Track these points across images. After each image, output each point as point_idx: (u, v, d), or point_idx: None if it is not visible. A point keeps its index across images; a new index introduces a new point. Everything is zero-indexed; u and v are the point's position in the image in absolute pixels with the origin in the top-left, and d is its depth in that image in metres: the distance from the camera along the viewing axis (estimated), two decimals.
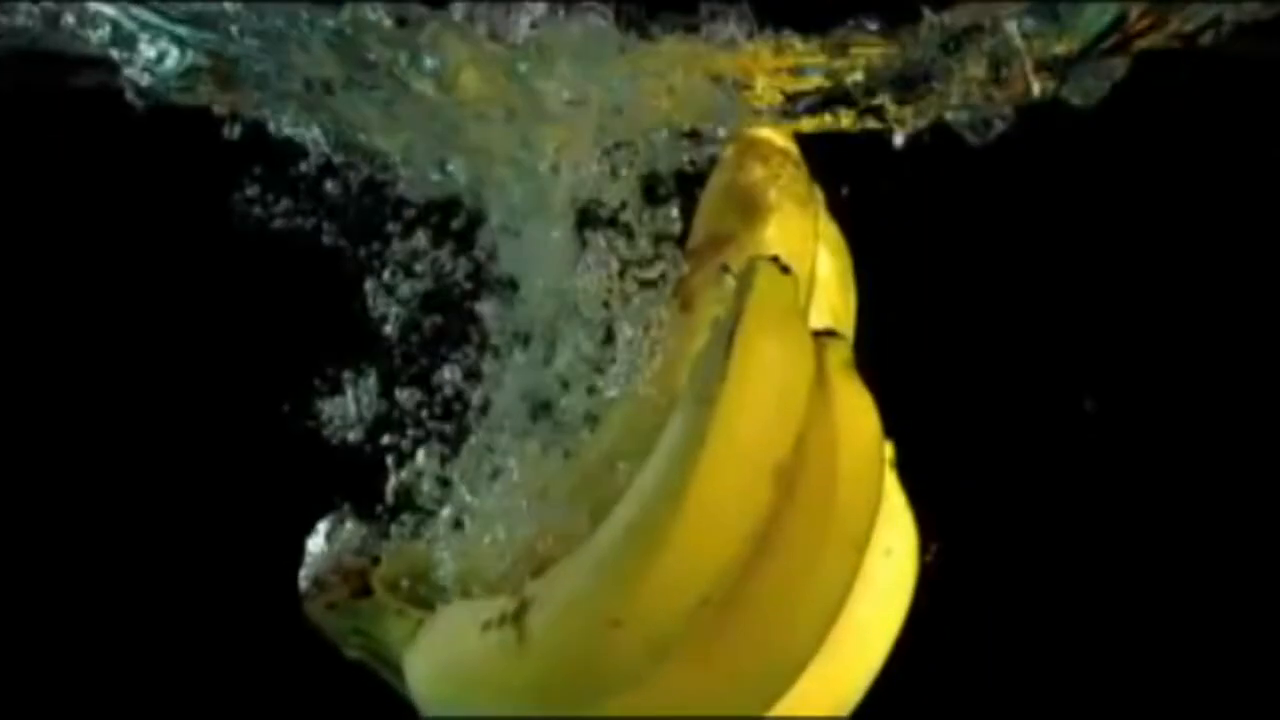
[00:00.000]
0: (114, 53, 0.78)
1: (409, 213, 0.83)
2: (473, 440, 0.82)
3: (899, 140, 0.82)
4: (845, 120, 0.82)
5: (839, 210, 0.86)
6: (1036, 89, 0.77)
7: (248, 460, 1.07)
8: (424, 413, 0.83)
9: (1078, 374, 1.11)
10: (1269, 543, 1.11)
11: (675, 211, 0.81)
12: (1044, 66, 0.77)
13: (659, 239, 0.81)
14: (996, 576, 1.07)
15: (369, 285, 0.84)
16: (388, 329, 0.84)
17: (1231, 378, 1.11)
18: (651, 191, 0.81)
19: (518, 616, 0.72)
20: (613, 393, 0.80)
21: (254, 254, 0.89)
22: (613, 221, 0.81)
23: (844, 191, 0.87)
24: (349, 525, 0.84)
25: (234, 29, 0.76)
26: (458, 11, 0.75)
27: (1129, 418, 1.10)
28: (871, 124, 0.82)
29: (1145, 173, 1.06)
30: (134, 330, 1.09)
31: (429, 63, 0.76)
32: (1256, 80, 0.93)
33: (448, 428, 0.83)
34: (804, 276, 0.80)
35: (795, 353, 0.72)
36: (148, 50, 0.78)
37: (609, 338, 0.81)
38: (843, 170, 0.87)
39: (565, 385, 0.81)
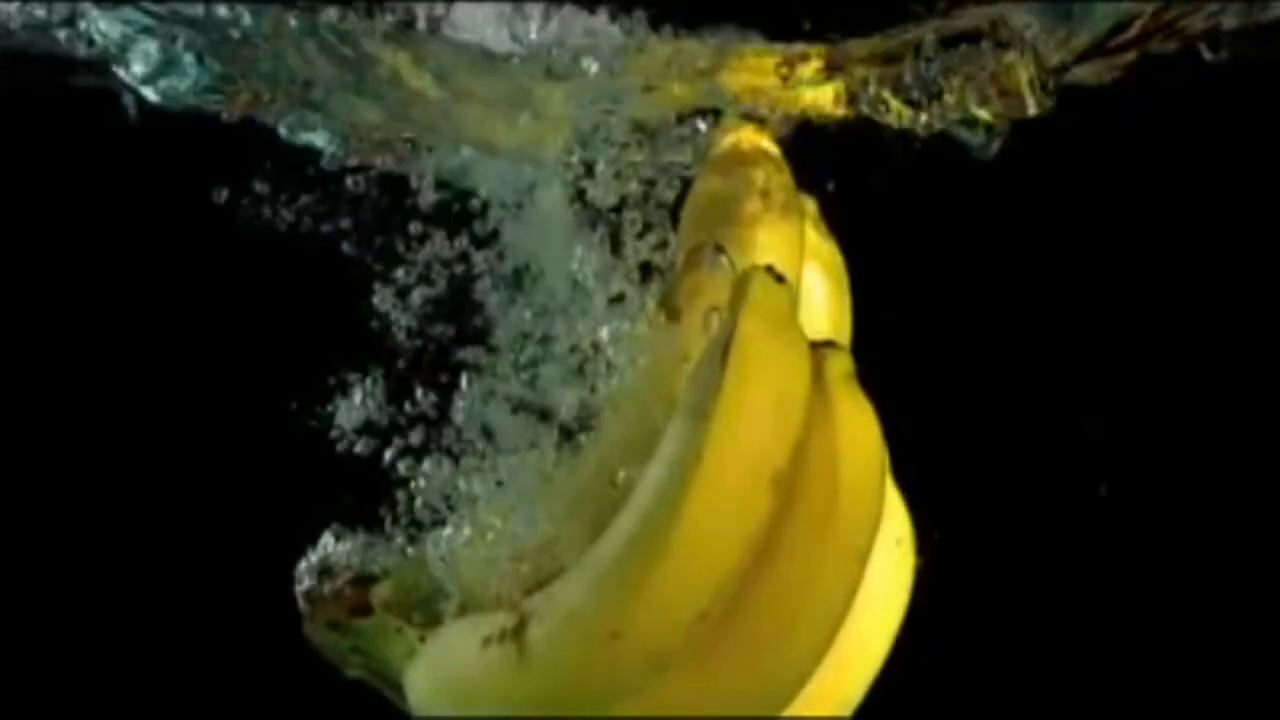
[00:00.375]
0: (111, 55, 0.78)
1: (409, 213, 0.83)
2: (471, 455, 0.82)
3: (899, 143, 0.82)
4: (844, 121, 0.82)
5: (834, 216, 0.86)
6: (1032, 108, 0.77)
7: (248, 466, 1.07)
8: (421, 426, 0.83)
9: (1078, 375, 1.10)
10: (1269, 543, 1.11)
11: (673, 213, 0.81)
12: (1043, 80, 0.77)
13: (659, 241, 0.81)
14: (996, 576, 1.07)
15: (369, 285, 0.84)
16: (387, 335, 0.83)
17: (1231, 379, 1.11)
18: (652, 192, 0.81)
19: (518, 631, 0.72)
20: (609, 402, 0.80)
21: (253, 256, 0.89)
22: (612, 222, 0.80)
23: (830, 189, 0.86)
24: (347, 543, 0.83)
25: (233, 31, 0.75)
26: (459, 12, 0.75)
27: (1127, 421, 1.10)
28: (871, 126, 0.82)
29: (1145, 176, 1.06)
30: (133, 332, 1.09)
31: (429, 63, 0.76)
32: (1257, 85, 0.93)
33: (446, 442, 0.82)
34: (791, 282, 0.79)
35: (792, 360, 0.72)
36: (145, 54, 0.78)
37: (606, 344, 0.80)
38: (842, 171, 0.86)
39: (562, 394, 0.80)
